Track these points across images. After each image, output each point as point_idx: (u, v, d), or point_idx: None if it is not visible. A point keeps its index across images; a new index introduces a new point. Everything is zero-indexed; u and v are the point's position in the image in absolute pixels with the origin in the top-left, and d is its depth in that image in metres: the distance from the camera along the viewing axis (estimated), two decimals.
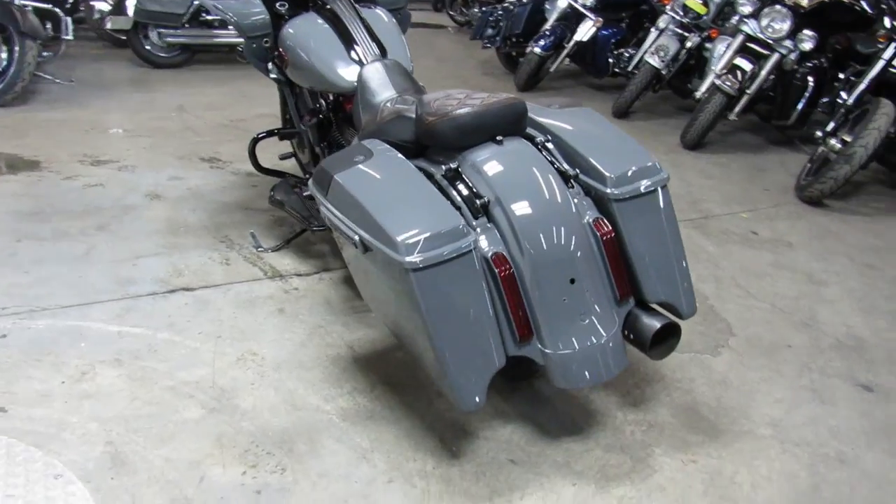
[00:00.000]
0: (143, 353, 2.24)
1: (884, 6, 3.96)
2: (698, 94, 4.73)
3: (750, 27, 4.52)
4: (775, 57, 4.47)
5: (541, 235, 1.78)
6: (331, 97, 2.69)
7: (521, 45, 6.47)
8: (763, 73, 4.48)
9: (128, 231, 3.06)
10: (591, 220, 1.86)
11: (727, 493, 1.82)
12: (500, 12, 6.58)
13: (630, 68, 5.47)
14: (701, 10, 5.10)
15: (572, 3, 5.82)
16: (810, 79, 4.52)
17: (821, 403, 2.20)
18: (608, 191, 1.87)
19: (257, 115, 4.88)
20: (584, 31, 5.82)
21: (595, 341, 1.80)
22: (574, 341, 1.79)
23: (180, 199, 3.41)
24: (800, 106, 4.59)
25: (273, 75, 2.85)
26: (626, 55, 5.76)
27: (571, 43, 5.87)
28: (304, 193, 2.78)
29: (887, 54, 3.73)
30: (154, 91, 5.39)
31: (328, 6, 2.70)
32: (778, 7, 4.37)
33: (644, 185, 1.88)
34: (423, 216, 1.71)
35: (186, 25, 5.99)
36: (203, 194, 3.48)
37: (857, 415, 2.16)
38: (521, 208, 1.80)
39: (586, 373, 1.80)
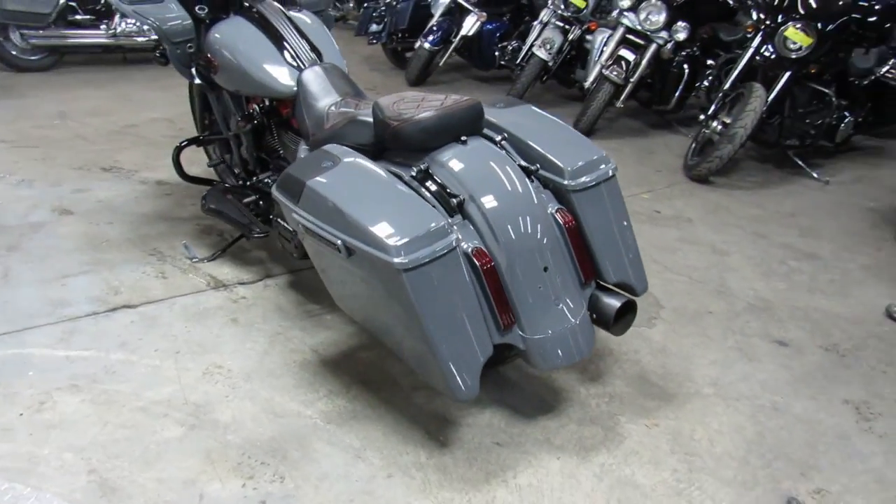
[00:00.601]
0: (100, 377, 2.15)
1: (749, 1, 4.38)
2: (587, 84, 5.02)
3: (629, 20, 4.84)
4: (653, 47, 4.81)
5: (514, 228, 1.89)
6: (266, 102, 2.66)
7: (407, 40, 6.56)
8: (643, 62, 4.81)
9: (43, 250, 2.88)
10: (553, 211, 2.00)
11: (691, 450, 2.03)
12: (382, 8, 6.62)
13: (518, 61, 5.68)
14: (581, 4, 5.38)
15: None
16: (685, 66, 4.92)
17: (748, 361, 2.47)
18: (566, 182, 2.01)
19: (149, 120, 4.68)
20: (470, 26, 5.99)
21: (568, 324, 1.94)
22: (550, 325, 1.92)
23: (92, 213, 3.24)
24: (678, 92, 4.98)
25: (197, 80, 2.78)
26: (510, 48, 5.98)
27: (458, 37, 6.02)
28: (245, 200, 2.74)
29: (755, 43, 4.14)
30: (26, 97, 5.02)
31: (254, 10, 2.68)
32: (654, 0, 4.71)
33: (597, 175, 2.03)
34: (407, 218, 1.77)
35: (52, 26, 5.61)
36: (116, 206, 3.33)
37: (779, 368, 2.45)
38: (493, 203, 1.90)
39: (564, 354, 1.93)
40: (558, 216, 1.99)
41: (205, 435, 1.95)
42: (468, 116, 2.02)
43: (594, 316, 2.04)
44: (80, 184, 3.55)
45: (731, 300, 2.87)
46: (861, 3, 3.93)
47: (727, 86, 4.19)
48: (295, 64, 2.51)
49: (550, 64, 5.45)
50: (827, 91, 4.15)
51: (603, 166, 2.05)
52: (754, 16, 4.18)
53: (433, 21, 6.09)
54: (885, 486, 1.94)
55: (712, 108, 4.21)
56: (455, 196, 1.90)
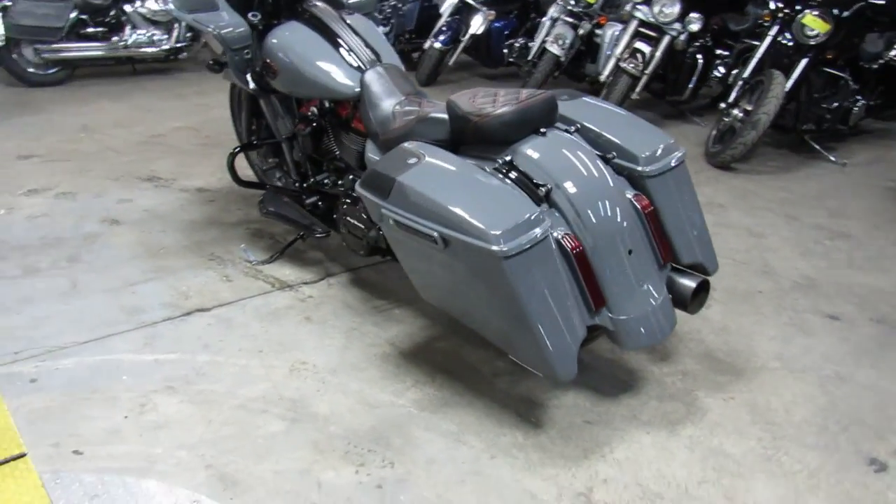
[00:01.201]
0: (192, 378, 2.21)
1: None
2: (602, 77, 5.10)
3: (642, 13, 4.94)
4: (667, 39, 4.91)
5: (598, 214, 1.97)
6: (326, 104, 2.72)
7: (414, 41, 6.64)
8: (658, 54, 4.91)
9: (104, 260, 2.92)
10: (631, 196, 2.08)
11: (770, 419, 2.12)
12: (388, 10, 6.68)
13: (530, 57, 5.76)
14: None
15: None
16: (699, 57, 5.03)
17: (805, 335, 2.57)
18: (641, 168, 2.09)
19: (173, 129, 4.72)
20: (478, 25, 6.08)
21: (653, 304, 2.02)
22: (636, 306, 2.00)
23: (142, 222, 3.29)
24: (692, 82, 5.09)
25: (252, 86, 2.84)
26: (518, 45, 6.06)
27: (467, 36, 6.10)
28: (308, 201, 2.80)
29: (773, 31, 4.25)
30: (46, 112, 5.03)
31: (307, 14, 2.73)
32: None
33: (669, 161, 2.12)
34: (502, 207, 1.85)
35: (65, 39, 5.63)
36: (163, 214, 3.37)
37: (837, 340, 2.55)
38: (578, 191, 1.98)
39: (648, 333, 2.02)
40: (636, 201, 2.07)
41: (307, 427, 2.01)
42: (544, 109, 2.10)
43: (671, 296, 2.13)
44: (122, 194, 3.59)
45: (777, 279, 2.97)
46: None
47: (747, 74, 4.29)
48: (356, 65, 2.57)
49: (563, 59, 5.54)
50: (843, 75, 4.27)
51: (674, 152, 2.14)
52: (771, 5, 4.28)
53: (442, 21, 6.17)
54: None
55: (733, 95, 4.32)
56: (542, 185, 1.98)
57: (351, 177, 2.65)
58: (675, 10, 4.84)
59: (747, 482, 1.87)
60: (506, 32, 6.24)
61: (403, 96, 2.52)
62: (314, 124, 2.76)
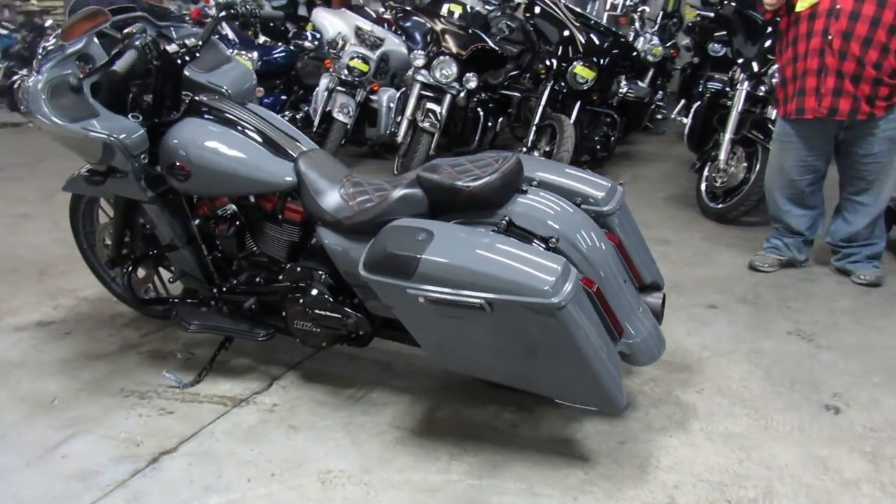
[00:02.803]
0: None
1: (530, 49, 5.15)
2: (399, 139, 5.38)
3: (423, 76, 5.34)
4: (448, 97, 5.37)
5: (598, 254, 2.20)
6: (251, 199, 2.56)
7: None
8: (443, 111, 5.34)
9: None
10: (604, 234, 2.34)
11: (740, 397, 2.51)
12: None
13: (315, 129, 5.83)
14: (364, 67, 5.75)
15: None
16: (480, 110, 5.57)
17: (706, 325, 3.06)
18: (605, 209, 2.36)
19: (35, 246, 3.89)
20: None
21: (649, 323, 2.29)
22: (640, 329, 2.26)
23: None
24: (478, 133, 5.61)
25: (150, 193, 2.56)
26: (299, 117, 6.11)
27: None
28: (246, 305, 2.59)
29: (549, 82, 4.92)
30: None
31: (203, 108, 2.56)
32: (443, 57, 5.27)
33: (619, 197, 2.43)
34: (537, 264, 1.97)
35: None
36: (19, 363, 2.81)
37: (728, 323, 3.07)
38: (578, 237, 2.18)
39: (656, 349, 2.29)
40: (609, 238, 2.34)
41: None
42: (518, 170, 2.27)
43: None
44: None
45: None
46: (616, 42, 4.93)
47: (537, 120, 4.89)
48: (284, 154, 2.48)
49: (349, 126, 5.71)
50: (608, 111, 5.08)
51: (618, 189, 2.45)
52: (547, 62, 4.94)
53: None
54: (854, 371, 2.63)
55: (530, 140, 4.87)
56: (549, 237, 2.14)
57: (299, 268, 2.52)
58: (453, 70, 5.31)
59: (768, 450, 2.21)
60: (277, 106, 6.23)
61: (343, 178, 2.49)
62: (237, 222, 2.58)
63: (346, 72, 5.79)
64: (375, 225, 2.25)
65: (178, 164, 2.46)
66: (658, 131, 7.18)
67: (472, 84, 5.37)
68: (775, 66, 4.20)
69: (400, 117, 5.48)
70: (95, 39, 2.48)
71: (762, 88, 4.33)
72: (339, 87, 5.83)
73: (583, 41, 4.82)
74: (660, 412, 2.42)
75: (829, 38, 3.13)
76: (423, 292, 2.00)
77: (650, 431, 2.32)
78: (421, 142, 5.19)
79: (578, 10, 5.16)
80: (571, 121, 4.86)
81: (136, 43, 2.38)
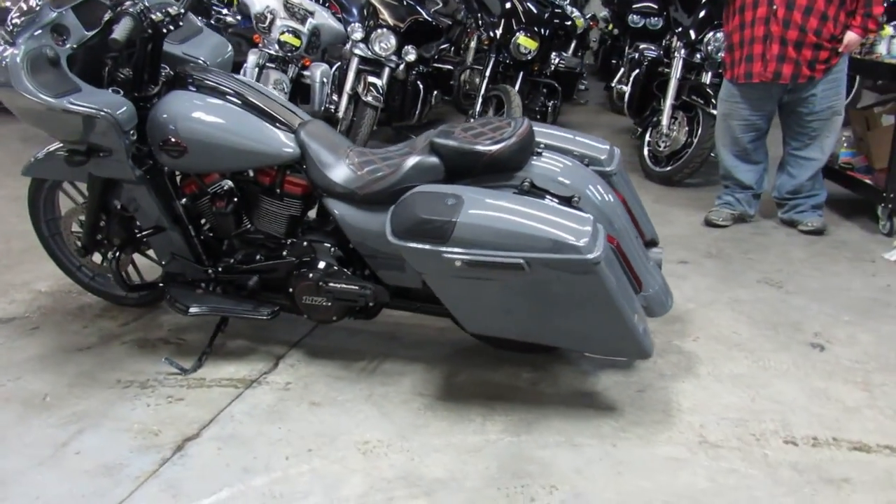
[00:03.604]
0: (269, 502, 1.89)
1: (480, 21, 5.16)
2: (341, 114, 5.29)
3: (361, 49, 5.26)
4: (387, 70, 5.32)
5: (614, 211, 2.28)
6: (250, 173, 2.47)
7: None
8: (384, 84, 5.28)
9: None
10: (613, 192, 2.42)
11: (734, 342, 2.67)
12: None
13: None
14: (296, 42, 5.58)
15: None
16: (419, 83, 5.54)
17: (683, 280, 3.21)
18: (609, 168, 2.44)
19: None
20: None
21: (659, 277, 2.40)
22: (654, 280, 2.36)
23: None
24: (418, 107, 5.58)
25: (138, 172, 2.42)
26: None
27: None
28: (250, 283, 2.50)
29: (493, 53, 4.96)
30: None
31: (189, 79, 2.44)
32: (382, 30, 5.20)
33: (618, 157, 2.51)
34: (569, 221, 2.03)
35: None
36: None
37: (701, 276, 3.24)
38: (594, 195, 2.25)
39: (668, 301, 2.41)
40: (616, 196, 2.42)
41: (447, 495, 1.91)
42: (533, 134, 2.30)
43: None
44: None
45: None
46: (554, 13, 5.04)
47: (483, 91, 4.93)
48: (285, 126, 2.41)
49: None
50: (550, 81, 5.19)
51: (616, 150, 2.54)
52: (490, 33, 4.97)
53: None
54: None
55: (477, 110, 4.91)
56: (570, 197, 2.19)
57: (304, 243, 2.47)
58: (392, 43, 5.25)
59: (774, 387, 2.38)
60: None
61: (346, 149, 2.45)
62: (234, 199, 2.48)
63: (276, 47, 5.61)
64: (391, 194, 2.24)
65: (172, 139, 2.34)
66: (581, 101, 7.38)
67: (412, 57, 5.33)
68: (710, 35, 4.44)
69: (334, 93, 5.37)
70: (69, 8, 2.30)
71: (698, 56, 4.55)
72: (268, 64, 5.64)
73: (524, 12, 4.88)
74: (666, 361, 2.54)
75: (774, 7, 3.34)
76: (461, 255, 2.01)
77: (663, 379, 2.43)
78: (365, 116, 5.11)
79: None
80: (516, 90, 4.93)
81: (131, 10, 2.23)
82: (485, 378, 2.46)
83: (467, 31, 6.38)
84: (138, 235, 2.60)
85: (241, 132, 2.35)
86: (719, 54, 4.45)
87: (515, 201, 2.09)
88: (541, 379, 2.44)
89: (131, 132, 2.33)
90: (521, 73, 5.01)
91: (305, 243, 2.47)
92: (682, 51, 4.54)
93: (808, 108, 3.53)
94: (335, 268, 2.42)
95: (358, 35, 5.22)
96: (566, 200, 2.18)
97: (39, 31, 2.20)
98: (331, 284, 2.39)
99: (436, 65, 6.08)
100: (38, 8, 2.23)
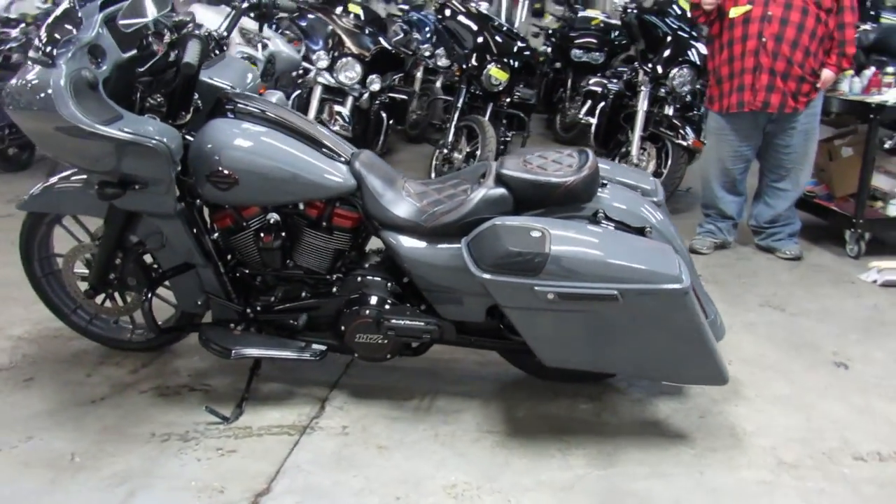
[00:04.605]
0: None
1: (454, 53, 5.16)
2: None
3: (325, 78, 5.16)
4: (350, 99, 5.23)
5: (676, 241, 2.32)
6: (301, 206, 2.34)
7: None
8: (348, 113, 5.19)
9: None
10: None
11: (760, 364, 2.76)
12: None
13: None
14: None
15: None
16: (383, 113, 5.48)
17: None
18: (656, 199, 2.48)
19: None
20: None
21: (712, 304, 2.45)
22: (710, 307, 2.41)
23: None
24: (382, 136, 5.52)
25: (179, 206, 2.25)
26: None
27: None
28: (299, 322, 2.36)
29: (463, 86, 4.98)
30: None
31: (229, 106, 2.30)
32: (347, 59, 5.12)
33: (661, 189, 2.56)
34: (656, 252, 2.05)
35: None
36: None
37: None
38: (661, 227, 2.28)
39: (723, 326, 2.46)
40: None
41: None
42: (598, 166, 2.31)
43: None
44: None
45: None
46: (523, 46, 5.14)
47: (454, 121, 4.93)
48: (338, 156, 2.31)
49: None
50: (517, 112, 5.25)
51: (659, 182, 2.59)
52: (464, 65, 4.98)
53: None
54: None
55: (449, 141, 4.90)
56: (643, 228, 2.22)
57: (359, 278, 2.36)
58: (358, 72, 5.18)
59: (820, 406, 2.47)
60: None
61: (402, 180, 2.39)
62: (282, 233, 2.34)
63: None
64: (460, 226, 2.19)
65: (222, 170, 2.19)
66: (524, 133, 7.51)
67: (376, 86, 5.28)
68: (675, 70, 4.65)
69: None
70: (105, 29, 2.13)
71: (662, 90, 4.75)
72: None
73: (496, 44, 4.94)
74: (712, 387, 2.59)
75: (764, 40, 3.54)
76: (553, 288, 1.98)
77: (716, 403, 2.48)
78: None
79: (485, 12, 5.28)
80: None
81: (197, 33, 2.08)
82: (545, 412, 2.42)
83: (417, 61, 6.39)
84: (165, 273, 2.40)
85: (296, 163, 2.23)
86: (684, 88, 4.68)
87: (599, 233, 2.09)
88: (601, 409, 2.43)
89: (177, 164, 2.16)
90: (490, 104, 5.05)
91: (359, 278, 2.36)
92: (648, 85, 4.72)
93: (785, 141, 3.75)
94: (392, 304, 2.33)
95: (323, 63, 5.12)
96: (640, 231, 2.20)
97: (77, 52, 2.02)
98: (393, 321, 2.29)
99: (391, 94, 6.04)
100: (77, 14, 2.04)
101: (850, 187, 4.05)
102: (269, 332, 2.44)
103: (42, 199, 2.50)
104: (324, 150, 2.30)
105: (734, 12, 3.60)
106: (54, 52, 1.98)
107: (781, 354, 2.84)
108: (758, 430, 2.33)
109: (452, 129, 4.95)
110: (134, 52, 2.20)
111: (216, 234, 2.41)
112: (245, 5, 2.47)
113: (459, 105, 4.99)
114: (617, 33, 7.02)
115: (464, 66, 4.96)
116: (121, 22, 1.99)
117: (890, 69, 3.87)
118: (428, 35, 7.05)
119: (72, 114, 1.95)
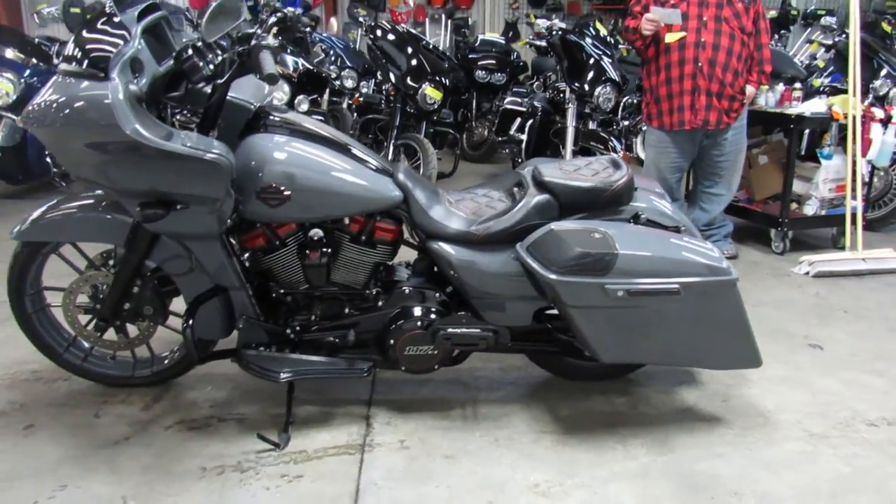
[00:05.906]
0: None
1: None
2: None
3: None
4: None
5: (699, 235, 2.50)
6: (346, 221, 2.29)
7: None
8: None
9: None
10: None
11: None
12: None
13: None
14: None
15: None
16: None
17: None
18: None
19: None
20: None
21: None
22: None
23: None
24: None
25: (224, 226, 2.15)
26: None
27: None
28: (349, 338, 2.30)
29: (399, 104, 5.02)
30: None
31: (263, 123, 2.23)
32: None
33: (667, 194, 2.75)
34: (702, 248, 2.22)
35: None
36: (5, 473, 2.08)
37: None
38: (687, 224, 2.46)
39: None
40: None
41: None
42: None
43: None
44: None
45: None
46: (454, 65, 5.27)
47: (394, 140, 4.96)
48: (381, 169, 2.30)
49: None
50: (448, 129, 5.37)
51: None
52: (399, 85, 5.01)
53: None
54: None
55: (390, 158, 4.92)
56: (678, 227, 2.38)
57: (407, 290, 2.35)
58: (286, 92, 5.08)
59: (818, 383, 2.72)
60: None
61: (440, 192, 2.41)
62: (329, 249, 2.28)
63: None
64: (511, 234, 2.25)
65: (275, 186, 2.11)
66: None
67: (304, 106, 5.20)
68: (599, 89, 4.97)
69: None
70: (143, 42, 2.01)
71: (587, 107, 5.06)
72: None
73: (430, 63, 5.04)
74: (719, 372, 2.79)
75: (700, 64, 3.87)
76: (623, 285, 2.09)
77: (730, 388, 2.67)
78: None
79: (415, 33, 5.35)
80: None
81: (263, 44, 2.00)
82: (586, 408, 2.50)
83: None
84: (199, 299, 2.26)
85: (348, 177, 2.20)
86: (608, 104, 5.01)
87: (649, 233, 2.22)
88: (636, 402, 2.55)
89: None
90: (424, 123, 5.13)
91: (406, 290, 2.35)
92: (575, 102, 5.00)
93: (719, 151, 4.11)
94: (439, 313, 2.33)
95: None
96: (676, 230, 2.36)
97: (123, 65, 1.89)
98: (449, 330, 2.29)
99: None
100: (119, 23, 1.91)
101: (767, 191, 4.50)
102: (305, 352, 2.35)
103: (43, 227, 2.28)
104: (368, 164, 2.28)
105: (669, 38, 3.91)
106: (103, 64, 1.85)
107: (762, 341, 3.06)
108: (777, 407, 2.54)
109: (391, 149, 4.97)
110: (171, 64, 2.09)
111: (246, 255, 2.30)
112: (273, 21, 2.39)
113: (396, 124, 5.03)
114: (515, 55, 7.37)
115: (400, 87, 5.01)
116: (204, 28, 1.90)
117: (797, 85, 4.35)
118: (332, 57, 7.02)
119: (135, 129, 1.83)
